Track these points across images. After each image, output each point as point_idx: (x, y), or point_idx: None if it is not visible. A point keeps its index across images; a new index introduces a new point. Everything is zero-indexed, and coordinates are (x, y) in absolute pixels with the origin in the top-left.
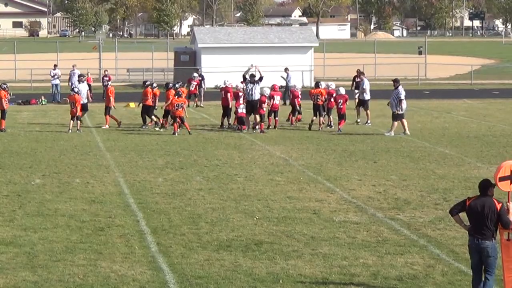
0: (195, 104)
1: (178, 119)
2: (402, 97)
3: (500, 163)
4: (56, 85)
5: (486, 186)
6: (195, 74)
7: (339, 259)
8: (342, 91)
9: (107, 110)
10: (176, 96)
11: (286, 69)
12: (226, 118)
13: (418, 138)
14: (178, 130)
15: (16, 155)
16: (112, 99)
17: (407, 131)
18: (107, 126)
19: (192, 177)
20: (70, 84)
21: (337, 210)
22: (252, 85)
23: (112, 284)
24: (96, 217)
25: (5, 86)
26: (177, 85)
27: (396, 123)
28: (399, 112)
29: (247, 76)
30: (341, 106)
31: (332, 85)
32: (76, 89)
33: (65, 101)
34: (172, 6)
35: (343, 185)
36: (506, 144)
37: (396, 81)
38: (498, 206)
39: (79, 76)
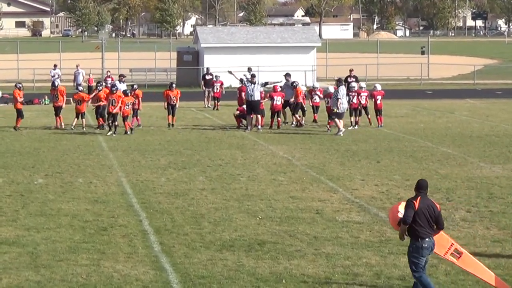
0: (215, 107)
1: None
2: (339, 96)
3: (502, 163)
4: None
5: (426, 186)
6: (217, 75)
7: (342, 259)
8: (379, 87)
9: (58, 110)
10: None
11: (249, 69)
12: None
13: (421, 138)
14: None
15: (19, 155)
16: (62, 98)
17: (341, 133)
18: (59, 126)
19: (195, 177)
20: (75, 83)
21: (340, 210)
22: (252, 85)
23: (115, 283)
24: (99, 217)
25: (20, 85)
26: (135, 86)
27: (338, 121)
28: (338, 111)
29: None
30: (379, 102)
31: (362, 84)
32: (80, 88)
33: (68, 101)
34: (174, 6)
35: (346, 185)
36: (509, 144)
37: (338, 81)
38: (438, 207)
39: (120, 76)
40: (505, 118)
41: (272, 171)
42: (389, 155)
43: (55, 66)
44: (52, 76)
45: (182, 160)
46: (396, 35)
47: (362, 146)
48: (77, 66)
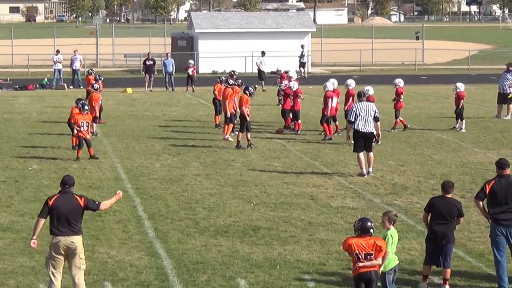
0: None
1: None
2: None
3: (497, 148)
4: (59, 70)
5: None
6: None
7: (336, 245)
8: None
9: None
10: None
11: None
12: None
13: (415, 124)
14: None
15: (13, 141)
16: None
17: None
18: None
19: (189, 163)
20: (71, 69)
21: (334, 196)
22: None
23: (110, 269)
24: None
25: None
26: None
27: None
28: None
29: None
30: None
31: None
32: (90, 71)
33: (62, 87)
34: None
35: (340, 170)
36: (504, 129)
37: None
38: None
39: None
40: None
41: (266, 156)
42: (383, 141)
43: (57, 51)
44: (54, 62)
45: (177, 146)
46: (390, 20)
47: None
48: (74, 51)
